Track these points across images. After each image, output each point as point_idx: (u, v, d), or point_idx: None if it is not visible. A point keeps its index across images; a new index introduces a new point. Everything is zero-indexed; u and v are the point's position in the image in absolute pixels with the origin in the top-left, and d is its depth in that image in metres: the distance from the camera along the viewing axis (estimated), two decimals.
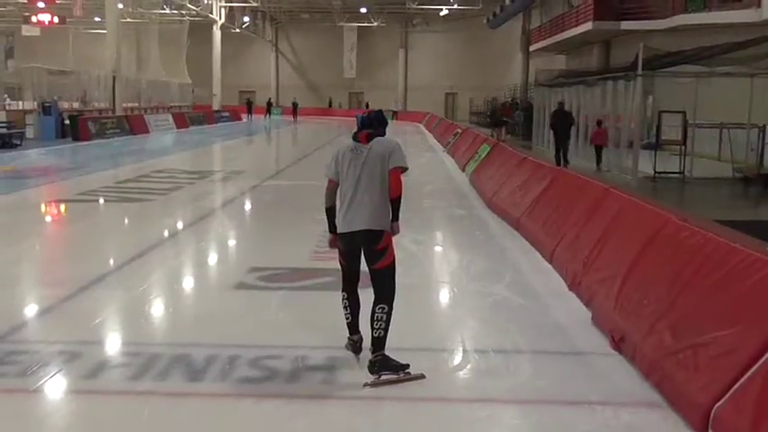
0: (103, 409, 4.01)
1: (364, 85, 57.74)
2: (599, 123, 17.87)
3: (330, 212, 4.47)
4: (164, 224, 9.95)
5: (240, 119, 44.27)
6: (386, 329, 4.24)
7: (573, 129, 18.64)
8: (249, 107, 46.93)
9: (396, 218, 4.37)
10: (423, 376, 4.33)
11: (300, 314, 5.66)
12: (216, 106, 44.76)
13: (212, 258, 8.24)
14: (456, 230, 9.83)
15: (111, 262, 7.64)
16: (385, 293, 4.26)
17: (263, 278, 6.76)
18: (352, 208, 4.28)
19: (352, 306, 4.50)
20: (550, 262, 7.39)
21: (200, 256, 8.20)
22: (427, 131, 36.94)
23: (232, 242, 9.33)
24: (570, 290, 6.39)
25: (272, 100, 51.28)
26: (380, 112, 4.61)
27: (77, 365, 4.48)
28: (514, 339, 5.14)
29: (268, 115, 43.32)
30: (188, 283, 7.06)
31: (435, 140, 29.52)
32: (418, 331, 4.89)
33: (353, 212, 4.27)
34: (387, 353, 4.28)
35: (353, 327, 4.52)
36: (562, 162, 16.58)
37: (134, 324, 5.48)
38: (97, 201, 11.95)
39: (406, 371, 4.31)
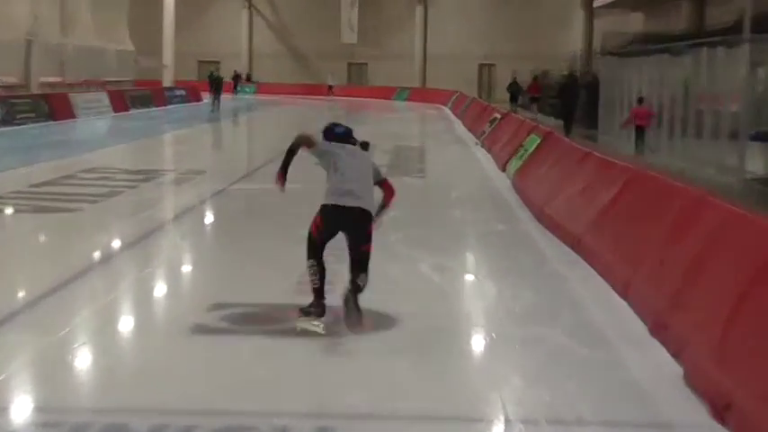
0: None
1: (369, 53, 57.95)
2: (640, 101, 20.29)
3: (291, 154, 6.34)
4: (95, 244, 9.95)
5: (199, 99, 44.16)
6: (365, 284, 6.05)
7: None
8: (214, 85, 37.74)
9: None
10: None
11: (280, 369, 5.64)
12: (167, 82, 45.02)
13: (160, 290, 8.24)
14: (494, 253, 9.78)
15: (22, 295, 7.62)
16: (365, 268, 6.02)
17: (228, 318, 6.73)
18: (354, 189, 6.01)
19: (321, 272, 6.02)
20: (625, 297, 7.35)
21: (143, 289, 8.18)
22: (454, 116, 37.09)
23: (187, 268, 9.34)
24: (653, 336, 6.36)
25: (239, 72, 51.09)
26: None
27: None
28: (575, 405, 5.11)
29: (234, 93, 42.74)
30: (126, 325, 7.03)
31: (465, 128, 29.60)
32: (445, 393, 4.85)
33: (355, 193, 5.99)
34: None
35: (320, 292, 6.02)
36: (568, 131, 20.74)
37: (52, 381, 5.44)
38: (2, 211, 11.98)
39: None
